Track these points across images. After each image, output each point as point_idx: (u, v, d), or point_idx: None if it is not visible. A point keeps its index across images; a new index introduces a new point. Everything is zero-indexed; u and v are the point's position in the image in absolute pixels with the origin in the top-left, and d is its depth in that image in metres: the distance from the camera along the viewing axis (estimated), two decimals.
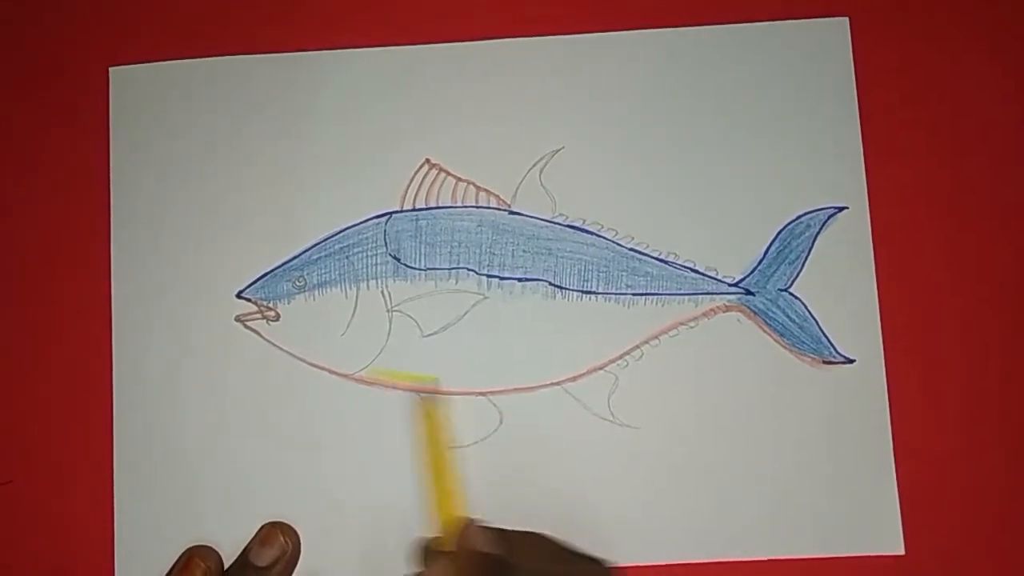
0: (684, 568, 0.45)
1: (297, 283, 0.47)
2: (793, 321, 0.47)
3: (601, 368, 0.47)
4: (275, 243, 0.47)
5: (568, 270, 0.47)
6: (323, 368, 0.47)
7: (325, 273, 0.47)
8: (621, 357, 0.47)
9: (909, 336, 0.47)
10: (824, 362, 0.46)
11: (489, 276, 0.47)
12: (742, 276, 0.47)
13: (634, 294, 0.47)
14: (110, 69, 0.49)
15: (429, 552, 0.42)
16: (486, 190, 0.48)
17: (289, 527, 0.45)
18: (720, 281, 0.47)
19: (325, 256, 0.47)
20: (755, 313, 0.47)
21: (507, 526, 0.40)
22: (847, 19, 0.48)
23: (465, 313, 0.47)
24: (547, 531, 0.45)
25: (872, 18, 0.48)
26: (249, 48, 0.49)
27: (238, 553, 0.44)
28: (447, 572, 0.38)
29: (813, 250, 0.47)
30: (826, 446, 0.46)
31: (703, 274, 0.47)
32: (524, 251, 0.47)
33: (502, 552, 0.39)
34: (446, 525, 0.42)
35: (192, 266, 0.47)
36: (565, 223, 0.48)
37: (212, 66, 0.49)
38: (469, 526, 0.40)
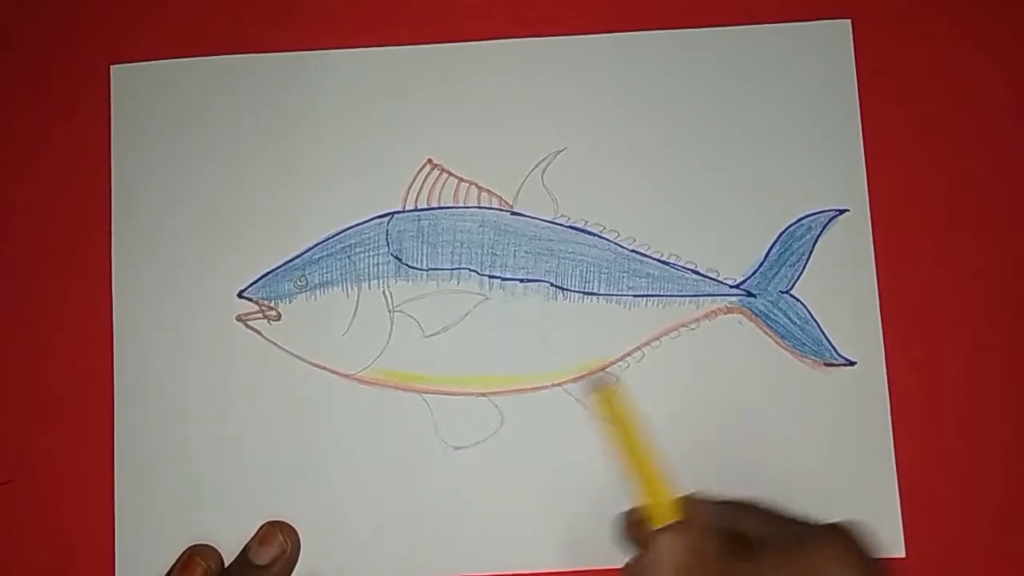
0: None
1: (298, 283, 0.47)
2: (794, 323, 0.47)
3: (602, 369, 0.47)
4: (277, 242, 0.47)
5: (570, 271, 0.47)
6: (324, 368, 0.47)
7: (327, 273, 0.47)
8: (622, 358, 0.47)
9: (910, 338, 0.47)
10: (825, 364, 0.46)
11: (491, 277, 0.47)
12: (743, 278, 0.47)
13: (635, 295, 0.47)
14: (112, 67, 0.49)
15: (640, 527, 0.40)
16: (488, 191, 0.48)
17: (288, 526, 0.45)
18: (721, 283, 0.47)
19: (327, 256, 0.47)
20: (756, 315, 0.47)
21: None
22: (849, 21, 0.48)
23: (467, 314, 0.47)
24: (544, 532, 0.46)
25: (874, 20, 0.48)
26: (251, 47, 0.49)
27: (238, 552, 0.44)
28: (676, 547, 0.38)
29: (814, 252, 0.47)
30: (827, 448, 0.46)
31: (704, 276, 0.47)
32: (526, 252, 0.47)
33: (727, 523, 0.39)
34: (654, 500, 0.40)
35: (193, 265, 0.47)
36: (567, 224, 0.48)
37: (214, 65, 0.49)
38: (691, 500, 0.39)
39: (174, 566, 0.44)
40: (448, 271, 0.47)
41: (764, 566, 0.37)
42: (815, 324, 0.47)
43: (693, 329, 0.47)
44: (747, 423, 0.46)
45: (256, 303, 0.47)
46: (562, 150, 0.48)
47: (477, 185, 0.48)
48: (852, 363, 0.46)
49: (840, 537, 0.38)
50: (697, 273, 0.47)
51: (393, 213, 0.48)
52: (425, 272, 0.47)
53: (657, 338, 0.47)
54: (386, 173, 0.48)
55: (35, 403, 0.47)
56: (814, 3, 0.48)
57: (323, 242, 0.47)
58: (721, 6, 0.48)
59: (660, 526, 0.38)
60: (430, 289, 0.47)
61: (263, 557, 0.44)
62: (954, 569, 0.45)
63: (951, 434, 0.46)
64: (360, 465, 0.46)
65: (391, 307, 0.47)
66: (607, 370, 0.46)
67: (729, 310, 0.47)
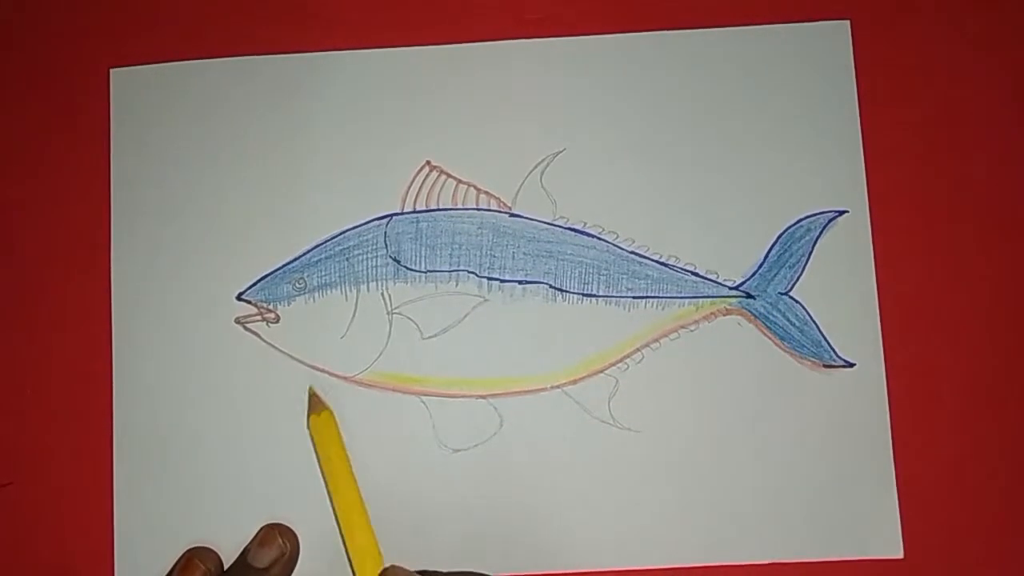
0: (683, 572, 0.45)
1: (297, 285, 0.47)
2: (793, 325, 0.47)
3: (601, 371, 0.47)
4: (275, 245, 0.47)
5: (569, 273, 0.47)
6: (323, 370, 0.47)
7: (325, 275, 0.47)
8: (621, 360, 0.47)
9: (909, 340, 0.47)
10: (824, 366, 0.46)
11: (490, 279, 0.47)
12: (743, 279, 0.47)
13: (634, 297, 0.47)
14: (111, 70, 0.49)
15: None
16: (487, 192, 0.48)
17: (288, 529, 0.45)
18: (721, 284, 0.47)
19: (325, 258, 0.47)
20: (755, 316, 0.47)
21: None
22: (848, 22, 0.48)
23: (465, 315, 0.47)
24: (544, 534, 0.46)
25: (873, 21, 0.48)
26: (251, 49, 0.49)
27: (237, 554, 0.44)
28: None
29: (814, 254, 0.47)
30: (826, 450, 0.46)
31: (704, 277, 0.47)
32: (525, 254, 0.47)
33: None
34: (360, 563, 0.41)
35: (192, 268, 0.47)
36: (566, 226, 0.48)
37: (213, 67, 0.49)
38: (389, 572, 0.39)
39: (173, 568, 0.44)
40: (447, 273, 0.47)
41: None
42: (814, 325, 0.47)
43: (692, 331, 0.47)
44: (746, 425, 0.46)
45: (255, 305, 0.47)
46: (561, 151, 0.48)
47: (476, 187, 0.48)
48: (851, 364, 0.46)
49: None
50: (696, 275, 0.47)
51: (392, 215, 0.48)
52: (424, 274, 0.47)
53: (656, 339, 0.47)
54: (385, 175, 0.48)
55: (35, 405, 0.47)
56: (813, 4, 0.48)
57: (321, 244, 0.47)
58: (720, 7, 0.48)
59: None
60: (429, 291, 0.47)
61: (262, 559, 0.44)
62: (953, 571, 0.45)
63: (950, 436, 0.46)
64: (359, 467, 0.46)
65: (390, 309, 0.47)
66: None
67: (728, 312, 0.47)
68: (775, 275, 0.47)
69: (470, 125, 0.48)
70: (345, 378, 0.46)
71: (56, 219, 0.48)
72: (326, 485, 0.43)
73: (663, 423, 0.46)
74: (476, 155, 0.48)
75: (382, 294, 0.47)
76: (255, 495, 0.46)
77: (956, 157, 0.48)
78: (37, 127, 0.49)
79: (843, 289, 0.47)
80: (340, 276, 0.47)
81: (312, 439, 0.45)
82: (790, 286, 0.47)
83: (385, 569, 0.40)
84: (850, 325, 0.47)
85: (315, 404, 0.45)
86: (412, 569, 0.41)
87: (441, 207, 0.48)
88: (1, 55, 0.49)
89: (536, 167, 0.48)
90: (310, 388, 0.46)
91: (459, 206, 0.48)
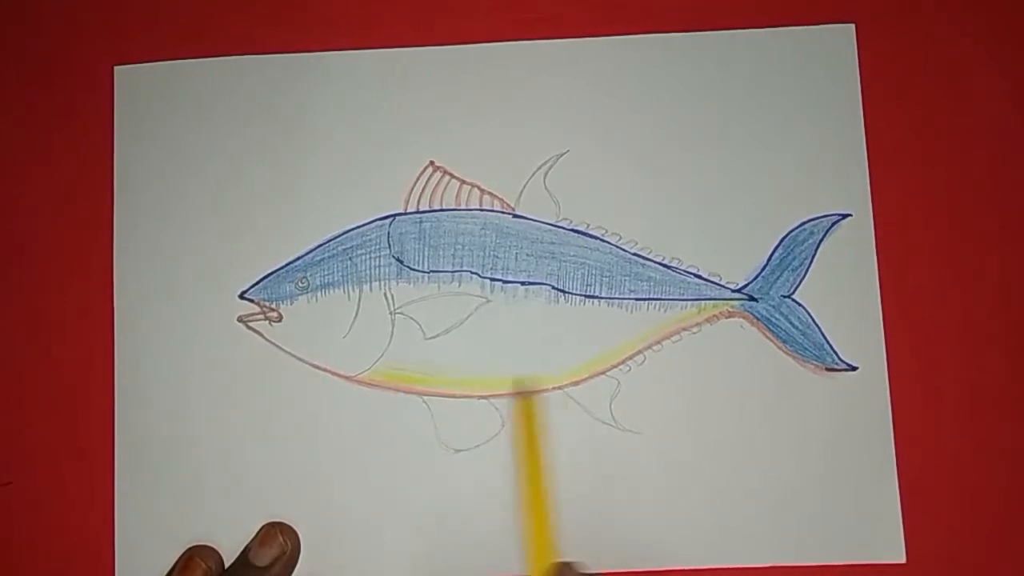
0: (684, 574, 0.45)
1: (300, 284, 0.47)
2: (796, 328, 0.47)
3: (603, 373, 0.47)
4: (278, 244, 0.47)
5: (571, 274, 0.47)
6: (325, 370, 0.47)
7: (328, 274, 0.47)
8: (623, 362, 0.47)
9: (912, 343, 0.47)
10: (827, 369, 0.46)
11: (492, 279, 0.47)
12: (745, 282, 0.47)
13: (637, 299, 0.47)
14: (115, 68, 0.49)
15: None
16: (490, 193, 0.48)
17: (288, 527, 0.45)
18: (723, 287, 0.47)
19: (328, 257, 0.47)
20: (758, 319, 0.47)
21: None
22: (853, 26, 0.48)
23: (468, 316, 0.47)
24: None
25: (878, 25, 0.48)
26: (255, 48, 0.49)
27: (238, 553, 0.44)
28: None
29: (817, 257, 0.47)
30: (828, 453, 0.46)
31: (706, 280, 0.47)
32: (527, 255, 0.47)
33: None
34: (536, 559, 0.41)
35: (195, 266, 0.47)
36: (569, 227, 0.48)
37: (217, 66, 0.49)
38: (562, 570, 0.39)
39: (174, 567, 0.44)
40: (450, 273, 0.47)
41: None
42: (817, 329, 0.47)
43: (695, 333, 0.47)
44: (748, 428, 0.46)
45: (257, 304, 0.47)
46: (564, 153, 0.48)
47: (479, 187, 0.48)
48: (854, 368, 0.46)
49: None
50: (699, 277, 0.47)
51: (395, 215, 0.48)
52: (427, 274, 0.47)
53: (659, 342, 0.47)
54: (388, 175, 0.48)
55: (36, 404, 0.47)
56: (818, 7, 0.48)
57: (325, 244, 0.47)
58: (724, 10, 0.48)
59: None
60: (431, 291, 0.47)
61: (263, 558, 0.44)
62: (955, 575, 0.45)
63: (952, 440, 0.46)
64: (360, 467, 0.46)
65: (392, 309, 0.47)
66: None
67: (731, 314, 0.47)
68: (778, 278, 0.47)
69: (474, 126, 0.48)
70: (347, 378, 0.46)
71: (59, 217, 0.48)
72: (520, 470, 0.43)
73: (665, 425, 0.46)
74: (480, 156, 0.48)
75: (385, 294, 0.47)
76: (255, 494, 0.46)
77: (960, 161, 0.48)
78: (41, 124, 0.49)
79: (846, 292, 0.47)
80: (343, 276, 0.47)
81: (514, 423, 0.45)
82: (793, 289, 0.47)
83: (561, 563, 0.39)
84: (853, 329, 0.47)
85: (522, 390, 0.45)
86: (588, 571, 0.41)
87: (444, 207, 0.48)
88: (5, 52, 0.49)
89: (540, 168, 0.48)
90: (519, 377, 0.46)
91: (462, 207, 0.48)
